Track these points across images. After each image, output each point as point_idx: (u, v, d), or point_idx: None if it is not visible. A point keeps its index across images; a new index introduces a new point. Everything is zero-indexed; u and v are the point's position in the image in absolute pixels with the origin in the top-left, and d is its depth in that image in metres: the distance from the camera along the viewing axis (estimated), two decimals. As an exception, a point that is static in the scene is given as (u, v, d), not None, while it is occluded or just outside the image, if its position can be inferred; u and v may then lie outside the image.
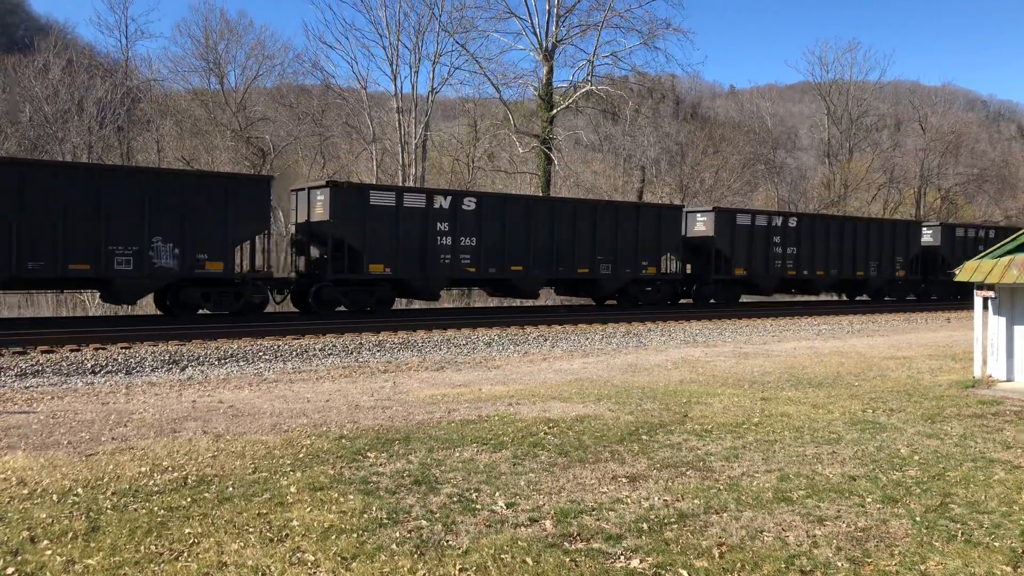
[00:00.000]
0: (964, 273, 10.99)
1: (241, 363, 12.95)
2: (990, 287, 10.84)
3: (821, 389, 10.73)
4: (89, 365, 12.05)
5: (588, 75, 36.59)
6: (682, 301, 25.44)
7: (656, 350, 15.79)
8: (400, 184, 33.14)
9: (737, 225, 24.91)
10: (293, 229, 20.12)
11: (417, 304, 24.78)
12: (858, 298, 30.75)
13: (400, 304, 23.65)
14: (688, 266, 25.44)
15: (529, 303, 27.00)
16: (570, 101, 36.85)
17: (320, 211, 18.38)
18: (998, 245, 10.84)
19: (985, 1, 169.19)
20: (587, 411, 8.85)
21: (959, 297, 35.38)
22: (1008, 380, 10.98)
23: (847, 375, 12.14)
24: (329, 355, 13.96)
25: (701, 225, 24.63)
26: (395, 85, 36.55)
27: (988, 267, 10.62)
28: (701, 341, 17.52)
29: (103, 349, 13.22)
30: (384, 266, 18.67)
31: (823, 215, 32.41)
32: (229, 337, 14.96)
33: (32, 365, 11.77)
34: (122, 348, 13.37)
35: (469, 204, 19.75)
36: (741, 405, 9.36)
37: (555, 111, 36.40)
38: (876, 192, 55.46)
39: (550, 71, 35.98)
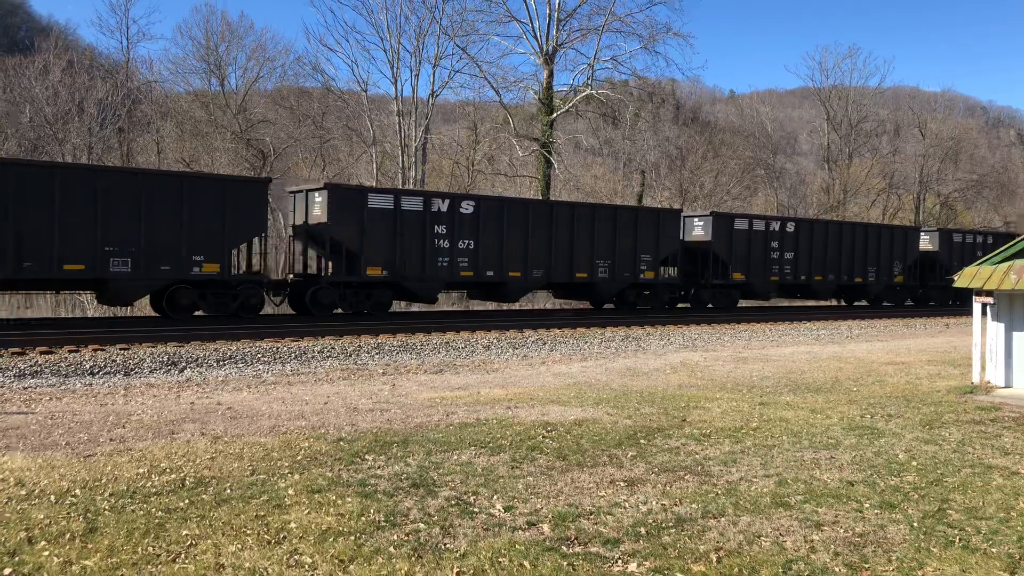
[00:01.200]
0: (963, 279, 10.99)
1: (240, 365, 12.95)
2: (988, 293, 10.85)
3: (819, 394, 10.74)
4: (88, 366, 12.05)
5: (588, 79, 36.65)
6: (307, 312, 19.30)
7: (655, 354, 15.79)
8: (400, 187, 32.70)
9: (370, 208, 18.65)
10: None
11: (416, 307, 24.75)
12: (607, 306, 24.49)
13: (399, 306, 23.51)
14: (329, 264, 19.81)
15: (530, 306, 26.91)
16: (570, 105, 36.88)
17: None
18: (997, 251, 10.85)
19: (985, 7, 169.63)
20: (585, 415, 8.85)
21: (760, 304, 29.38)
22: (1006, 386, 10.99)
23: (845, 380, 12.14)
24: (328, 357, 13.96)
25: (317, 209, 18.63)
26: (395, 88, 36.63)
27: (987, 273, 10.63)
28: (700, 345, 17.52)
29: (102, 350, 13.22)
30: None
31: (518, 200, 24.34)
32: (228, 339, 14.95)
33: (31, 366, 11.76)
34: (121, 349, 13.36)
35: None
36: (739, 410, 9.37)
37: (555, 115, 36.44)
38: (875, 198, 55.57)
39: (550, 75, 36.01)
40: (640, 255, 22.91)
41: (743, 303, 28.18)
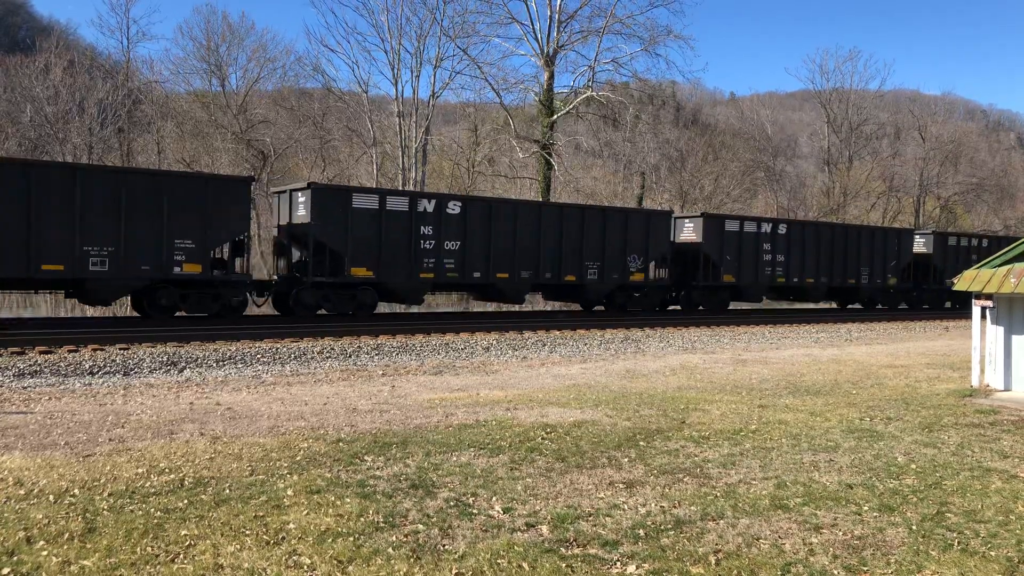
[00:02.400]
0: (963, 282, 11.00)
1: (239, 365, 12.94)
2: (988, 296, 10.85)
3: (819, 397, 10.74)
4: (87, 366, 12.04)
5: (589, 81, 36.70)
6: None
7: (654, 356, 15.79)
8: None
9: None
10: None
11: (416, 307, 24.72)
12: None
13: (399, 307, 23.40)
14: None
15: (528, 307, 26.85)
16: (571, 107, 36.92)
17: None
18: (997, 254, 10.85)
19: (986, 11, 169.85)
20: (585, 417, 8.85)
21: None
22: (1006, 389, 10.99)
23: (845, 383, 12.14)
24: (327, 358, 13.96)
25: None
26: (396, 89, 36.70)
27: (987, 277, 10.63)
28: (699, 348, 17.52)
29: (101, 350, 13.21)
30: None
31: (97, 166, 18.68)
32: (227, 339, 14.95)
33: (30, 365, 11.76)
34: (120, 349, 13.36)
35: None
36: (739, 412, 9.37)
37: (556, 116, 36.47)
38: (875, 200, 55.61)
39: (551, 76, 36.05)
40: (173, 242, 16.23)
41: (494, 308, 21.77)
